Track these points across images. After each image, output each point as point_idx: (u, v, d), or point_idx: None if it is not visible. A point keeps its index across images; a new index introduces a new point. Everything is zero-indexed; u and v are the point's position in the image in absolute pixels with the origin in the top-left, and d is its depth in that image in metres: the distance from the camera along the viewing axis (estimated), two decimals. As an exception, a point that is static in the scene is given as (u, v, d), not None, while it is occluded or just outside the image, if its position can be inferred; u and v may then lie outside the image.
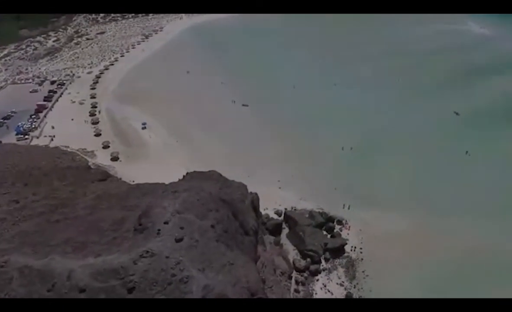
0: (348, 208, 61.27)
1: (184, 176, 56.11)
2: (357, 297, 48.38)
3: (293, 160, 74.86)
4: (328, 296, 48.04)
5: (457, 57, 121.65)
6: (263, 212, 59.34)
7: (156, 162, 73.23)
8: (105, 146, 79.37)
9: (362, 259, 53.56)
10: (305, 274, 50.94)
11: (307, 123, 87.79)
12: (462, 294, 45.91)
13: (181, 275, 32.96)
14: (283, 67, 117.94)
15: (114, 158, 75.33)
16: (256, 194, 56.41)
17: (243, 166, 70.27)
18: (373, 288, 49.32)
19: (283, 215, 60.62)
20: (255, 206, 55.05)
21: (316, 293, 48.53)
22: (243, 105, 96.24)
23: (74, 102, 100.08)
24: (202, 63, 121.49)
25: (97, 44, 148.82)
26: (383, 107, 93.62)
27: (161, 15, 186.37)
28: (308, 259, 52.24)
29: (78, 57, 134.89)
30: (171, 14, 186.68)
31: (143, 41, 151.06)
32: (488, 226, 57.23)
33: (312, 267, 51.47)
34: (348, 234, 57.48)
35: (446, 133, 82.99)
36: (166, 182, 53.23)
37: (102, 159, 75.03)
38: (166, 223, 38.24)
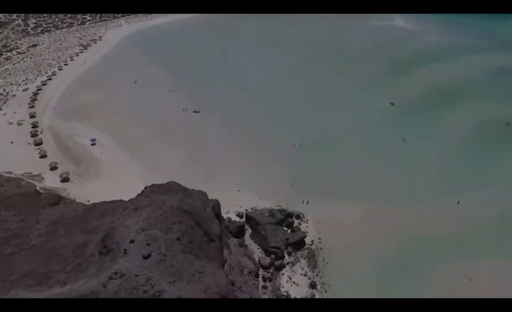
0: (307, 203, 65.12)
1: (142, 190, 55.94)
2: (320, 284, 52.06)
3: (248, 161, 77.29)
4: (294, 287, 51.22)
5: (388, 51, 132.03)
6: (225, 216, 61.00)
7: (111, 178, 71.56)
8: (53, 168, 75.58)
9: (321, 248, 57.57)
10: (271, 270, 53.64)
11: (258, 124, 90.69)
12: (414, 271, 52.35)
13: (153, 290, 33.75)
14: (230, 70, 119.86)
15: (65, 179, 72.16)
16: (216, 200, 57.89)
17: (200, 173, 71.35)
18: (333, 274, 53.40)
19: (244, 217, 62.80)
20: (216, 212, 56.51)
21: (282, 287, 51.48)
22: (194, 111, 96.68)
23: (11, 123, 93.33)
24: (148, 71, 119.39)
25: (30, 58, 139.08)
26: (326, 103, 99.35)
27: (99, 23, 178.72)
28: (272, 256, 54.99)
29: (10, 73, 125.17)
30: (109, 22, 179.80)
31: (82, 52, 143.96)
32: (431, 207, 64.20)
33: (277, 263, 54.33)
34: (306, 227, 61.25)
35: (384, 123, 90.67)
36: (125, 199, 52.82)
37: (51, 181, 71.52)
38: (131, 242, 38.55)
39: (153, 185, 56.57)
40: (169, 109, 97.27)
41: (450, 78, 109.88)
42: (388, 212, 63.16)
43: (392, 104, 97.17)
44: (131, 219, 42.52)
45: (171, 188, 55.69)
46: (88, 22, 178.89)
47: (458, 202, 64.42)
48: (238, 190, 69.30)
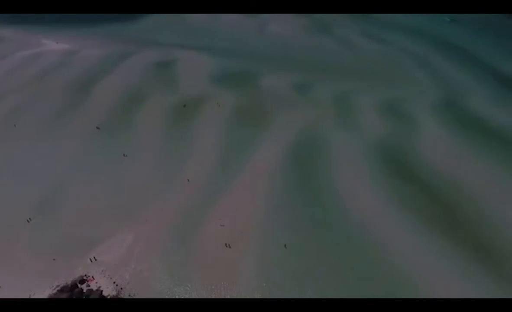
0: (95, 260, 64.87)
1: None
2: None
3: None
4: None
5: (55, 80, 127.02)
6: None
7: None
8: None
9: (122, 288, 60.92)
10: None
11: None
12: (187, 242, 66.64)
13: None
14: None
15: None
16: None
17: None
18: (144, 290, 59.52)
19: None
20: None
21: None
22: None
23: None
24: None
25: None
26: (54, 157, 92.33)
27: None
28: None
29: None
30: None
31: None
32: (163, 189, 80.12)
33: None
34: (97, 283, 61.67)
35: (100, 149, 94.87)
36: None
37: None
38: None
39: None
40: None
41: (129, 85, 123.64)
42: (139, 226, 71.92)
43: (98, 128, 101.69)
44: None
45: None
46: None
47: (188, 180, 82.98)
48: None
